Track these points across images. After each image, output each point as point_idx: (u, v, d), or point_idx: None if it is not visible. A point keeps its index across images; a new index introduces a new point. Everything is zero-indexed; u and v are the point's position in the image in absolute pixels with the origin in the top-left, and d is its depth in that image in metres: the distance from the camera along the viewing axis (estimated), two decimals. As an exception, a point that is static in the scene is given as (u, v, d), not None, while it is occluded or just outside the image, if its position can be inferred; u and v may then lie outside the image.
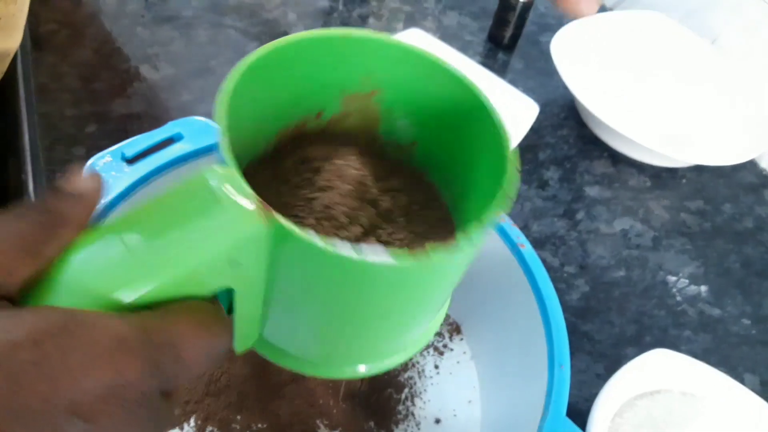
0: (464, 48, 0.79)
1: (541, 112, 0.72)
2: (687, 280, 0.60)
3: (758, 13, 0.71)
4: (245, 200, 0.20)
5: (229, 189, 0.20)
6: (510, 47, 0.80)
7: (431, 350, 0.48)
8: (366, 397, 0.43)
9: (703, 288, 0.59)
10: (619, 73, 0.73)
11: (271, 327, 0.27)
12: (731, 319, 0.58)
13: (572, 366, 0.52)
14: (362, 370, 0.29)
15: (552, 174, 0.66)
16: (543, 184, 0.65)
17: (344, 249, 0.20)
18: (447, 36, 0.80)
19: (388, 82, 0.29)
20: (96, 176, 0.20)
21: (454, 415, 0.45)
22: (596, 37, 0.72)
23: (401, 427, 0.43)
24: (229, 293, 0.22)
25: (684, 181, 0.69)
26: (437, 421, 0.45)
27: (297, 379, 0.40)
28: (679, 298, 0.58)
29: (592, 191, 0.65)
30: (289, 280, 0.23)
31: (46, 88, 0.62)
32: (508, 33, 0.78)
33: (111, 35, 0.70)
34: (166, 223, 0.19)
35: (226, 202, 0.19)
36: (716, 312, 0.58)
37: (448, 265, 0.23)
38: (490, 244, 0.45)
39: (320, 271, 0.21)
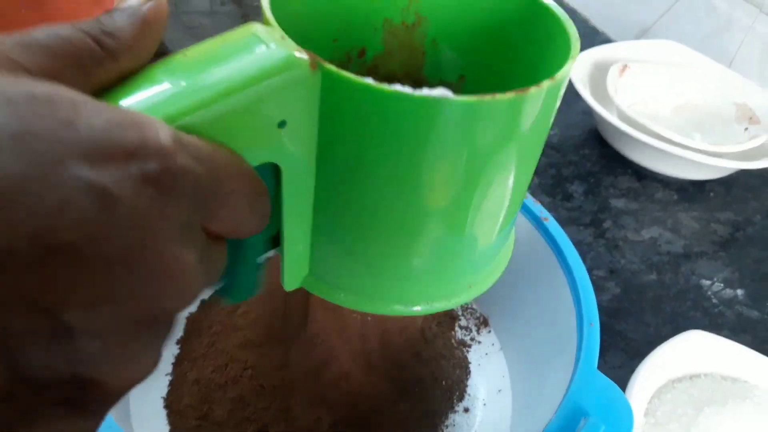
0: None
1: (562, 134, 0.73)
2: (722, 284, 0.58)
3: (772, 31, 0.72)
4: (291, 46, 0.19)
5: (274, 36, 0.19)
6: (529, 80, 0.82)
7: (460, 344, 0.47)
8: (409, 380, 0.41)
9: (740, 291, 0.58)
10: (639, 94, 0.74)
11: (320, 258, 0.25)
12: (773, 322, 0.55)
13: (607, 362, 0.50)
14: (418, 308, 0.26)
15: (576, 188, 0.66)
16: (567, 197, 0.65)
17: (398, 87, 0.18)
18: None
19: (433, 8, 0.27)
20: (163, 4, 0.18)
21: (484, 404, 0.43)
22: (615, 61, 0.74)
23: (435, 412, 0.41)
24: (274, 176, 0.21)
25: (712, 194, 0.68)
26: (466, 410, 0.43)
27: (327, 360, 0.39)
28: (715, 301, 0.56)
29: (618, 203, 0.65)
30: (343, 153, 0.21)
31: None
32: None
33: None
34: (213, 56, 0.18)
35: (272, 43, 0.19)
36: (755, 314, 0.56)
37: (517, 116, 0.21)
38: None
39: (376, 127, 0.20)
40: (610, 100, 0.69)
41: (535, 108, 0.21)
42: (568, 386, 0.32)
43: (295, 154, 0.20)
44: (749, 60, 0.76)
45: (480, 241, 0.25)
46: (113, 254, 0.13)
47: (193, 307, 0.46)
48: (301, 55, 0.19)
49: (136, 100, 0.17)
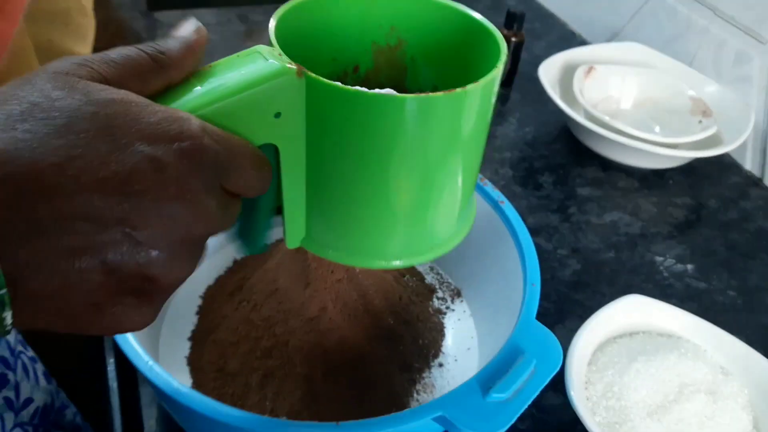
0: (467, 85, 0.89)
1: (536, 132, 0.81)
2: (674, 260, 0.66)
3: (725, 32, 0.80)
4: (285, 61, 0.27)
5: (274, 53, 0.28)
6: (508, 83, 0.90)
7: (437, 312, 0.55)
8: (390, 337, 0.49)
9: (690, 266, 0.65)
10: (604, 92, 0.82)
11: (314, 222, 0.33)
12: (717, 291, 0.63)
13: (566, 326, 0.57)
14: (397, 263, 0.34)
15: (546, 179, 0.74)
16: (537, 187, 0.72)
17: (357, 88, 0.27)
18: (452, 76, 0.91)
19: (410, 33, 0.35)
20: (202, 29, 0.27)
21: (455, 360, 0.51)
22: (584, 63, 0.81)
23: (414, 366, 0.49)
24: (275, 155, 0.29)
25: (671, 182, 0.76)
26: (440, 365, 0.51)
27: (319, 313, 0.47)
28: (666, 275, 0.64)
29: (583, 191, 0.73)
30: (324, 138, 0.29)
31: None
32: (506, 70, 0.88)
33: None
34: (228, 69, 0.27)
35: (271, 59, 0.27)
36: (702, 285, 0.63)
37: (448, 109, 0.29)
38: (477, 210, 0.52)
39: (343, 116, 0.28)
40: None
41: (466, 102, 0.29)
42: (511, 333, 0.40)
43: (288, 138, 0.29)
44: (706, 59, 0.83)
45: (440, 208, 0.33)
46: (164, 196, 0.22)
47: (208, 282, 0.54)
48: (292, 66, 0.27)
49: (175, 98, 0.26)
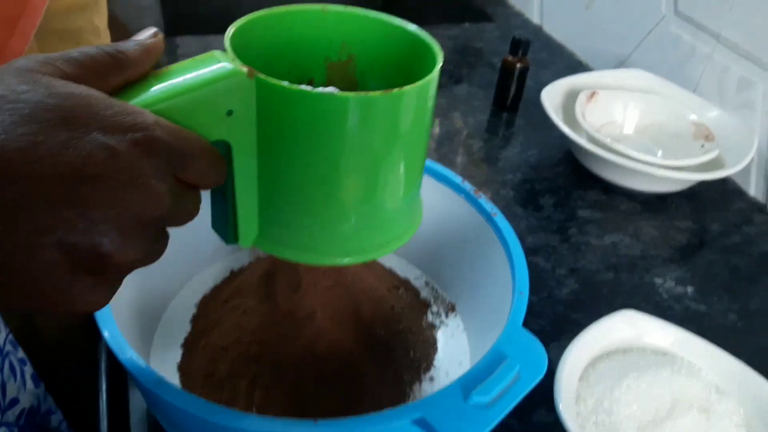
0: (472, 111, 0.90)
1: (539, 155, 0.82)
2: (674, 282, 0.65)
3: (728, 59, 0.80)
4: (238, 64, 0.29)
5: (227, 58, 0.29)
6: (513, 108, 0.91)
7: (430, 327, 0.55)
8: (381, 347, 0.49)
9: (690, 288, 0.64)
10: (606, 117, 0.82)
11: (267, 221, 0.34)
12: (717, 314, 0.62)
13: (561, 344, 0.57)
14: (346, 260, 0.36)
15: (547, 200, 0.74)
16: (538, 208, 0.73)
17: (302, 86, 0.29)
18: (457, 102, 0.92)
19: (359, 49, 0.38)
20: (159, 34, 0.29)
21: (447, 375, 0.51)
22: (585, 88, 0.82)
23: (404, 378, 0.49)
24: (228, 152, 0.30)
25: (674, 206, 0.76)
26: (431, 379, 0.51)
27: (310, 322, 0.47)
28: (665, 296, 0.63)
29: (584, 213, 0.73)
30: (273, 136, 0.31)
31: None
32: (510, 95, 0.90)
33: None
34: (184, 70, 0.29)
35: (224, 62, 0.29)
36: (702, 307, 0.63)
37: (387, 108, 0.31)
38: (471, 222, 0.53)
39: (291, 113, 0.30)
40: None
41: (402, 102, 0.31)
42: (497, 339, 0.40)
43: (240, 135, 0.31)
44: (710, 85, 0.83)
45: (385, 207, 0.35)
46: (117, 180, 0.23)
47: (204, 291, 0.55)
48: (243, 68, 0.29)
49: (133, 94, 0.27)
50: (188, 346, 0.50)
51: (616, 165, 0.72)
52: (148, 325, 0.51)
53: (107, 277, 0.25)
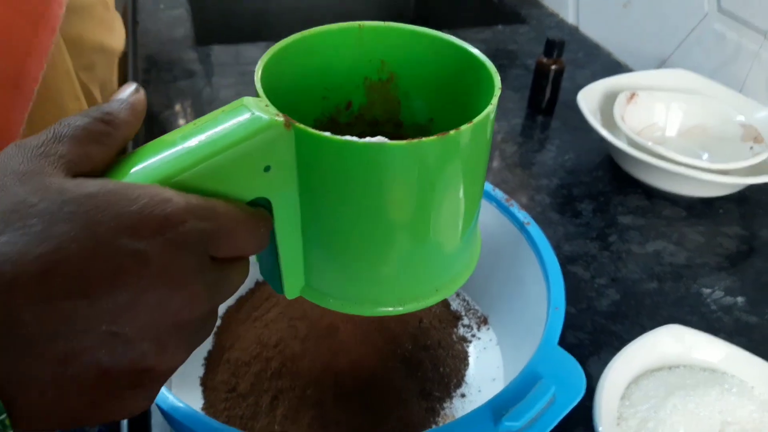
0: (506, 114, 0.88)
1: (576, 159, 0.79)
2: (722, 292, 0.61)
3: (777, 57, 0.76)
4: (272, 113, 0.26)
5: (260, 105, 0.27)
6: (548, 111, 0.88)
7: (461, 340, 0.52)
8: (408, 363, 0.47)
9: (740, 299, 0.61)
10: (647, 119, 0.79)
11: (312, 271, 0.32)
12: (770, 327, 0.58)
13: (601, 359, 0.54)
14: (401, 309, 0.33)
15: (585, 206, 0.71)
16: (576, 214, 0.70)
17: (347, 137, 0.26)
18: (490, 105, 0.89)
19: (401, 67, 0.35)
20: (140, 89, 0.27)
21: (479, 391, 0.49)
22: (623, 89, 0.79)
23: (434, 395, 0.47)
24: (267, 206, 0.28)
25: (721, 211, 0.72)
26: (463, 395, 0.48)
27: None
28: (714, 307, 0.60)
29: (625, 219, 0.69)
30: (317, 189, 0.28)
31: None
32: (545, 97, 0.87)
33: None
34: (209, 126, 0.26)
35: (256, 111, 0.26)
36: (753, 319, 0.59)
37: (442, 153, 0.27)
38: (503, 232, 0.50)
39: (335, 165, 0.27)
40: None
41: (460, 143, 0.28)
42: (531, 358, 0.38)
43: (280, 190, 0.28)
44: (757, 84, 0.79)
45: (440, 251, 0.32)
46: (149, 288, 0.21)
47: (229, 302, 0.54)
48: (279, 118, 0.26)
49: (153, 165, 0.24)
50: (211, 359, 0.49)
51: (659, 169, 0.68)
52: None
53: (149, 386, 0.23)
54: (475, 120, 0.28)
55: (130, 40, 1.03)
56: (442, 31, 0.33)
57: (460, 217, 0.31)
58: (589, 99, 0.77)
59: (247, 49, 1.02)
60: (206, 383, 0.47)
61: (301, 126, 0.26)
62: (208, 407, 0.45)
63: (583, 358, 0.53)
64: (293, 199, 0.29)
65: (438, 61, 0.33)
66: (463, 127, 0.27)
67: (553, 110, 0.88)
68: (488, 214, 0.51)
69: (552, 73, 0.84)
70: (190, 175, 0.24)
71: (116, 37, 0.68)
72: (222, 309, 0.53)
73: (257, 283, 0.55)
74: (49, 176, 0.22)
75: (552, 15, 1.18)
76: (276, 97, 0.28)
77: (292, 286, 0.32)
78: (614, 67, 1.00)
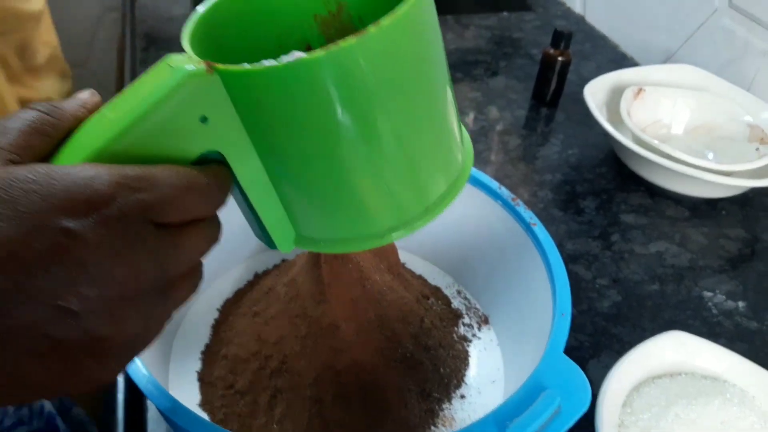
0: (509, 105, 0.87)
1: (580, 155, 0.78)
2: (724, 296, 0.61)
3: (787, 57, 0.75)
4: (194, 62, 0.25)
5: (180, 59, 0.25)
6: (553, 103, 0.86)
7: (462, 339, 0.52)
8: (408, 363, 0.46)
9: (741, 303, 0.60)
10: (653, 116, 0.78)
11: (298, 218, 0.30)
12: (771, 332, 0.58)
13: (600, 361, 0.54)
14: (393, 236, 0.30)
15: (588, 203, 0.70)
16: (579, 211, 0.69)
17: (266, 63, 0.24)
18: (494, 95, 0.88)
19: None
20: (96, 95, 0.26)
21: (479, 392, 0.48)
22: (631, 84, 0.78)
23: (433, 395, 0.46)
24: (223, 161, 0.26)
25: (724, 212, 0.71)
26: (462, 396, 0.48)
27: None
28: (715, 311, 0.59)
29: (628, 218, 0.69)
30: (262, 126, 0.26)
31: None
32: (550, 89, 0.85)
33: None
34: (131, 91, 0.24)
35: (176, 66, 0.24)
36: (754, 325, 0.58)
37: (369, 53, 0.25)
38: (507, 231, 0.49)
39: (271, 96, 0.25)
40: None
41: (387, 40, 0.25)
42: (536, 367, 0.37)
43: (227, 140, 0.26)
44: (766, 82, 0.78)
45: (416, 165, 0.29)
46: (88, 264, 0.21)
47: (227, 295, 0.53)
48: (198, 66, 0.24)
49: (78, 144, 0.24)
50: (209, 354, 0.48)
51: (663, 168, 0.67)
52: (167, 328, 0.49)
53: (111, 354, 0.23)
54: (398, 10, 0.25)
55: (128, 18, 1.01)
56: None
57: (423, 123, 0.28)
58: (595, 93, 0.76)
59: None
60: (204, 378, 0.46)
61: (222, 66, 0.25)
62: (205, 403, 0.44)
63: (583, 361, 0.53)
64: (246, 147, 0.27)
65: None
66: (384, 21, 0.24)
67: (558, 103, 0.86)
68: (494, 213, 0.50)
69: (558, 64, 0.83)
70: (121, 146, 0.23)
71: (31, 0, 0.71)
72: (219, 302, 0.52)
73: (256, 276, 0.55)
74: None
75: (559, 3, 1.16)
76: (227, 54, 0.26)
77: (283, 239, 0.31)
78: (620, 59, 0.99)
